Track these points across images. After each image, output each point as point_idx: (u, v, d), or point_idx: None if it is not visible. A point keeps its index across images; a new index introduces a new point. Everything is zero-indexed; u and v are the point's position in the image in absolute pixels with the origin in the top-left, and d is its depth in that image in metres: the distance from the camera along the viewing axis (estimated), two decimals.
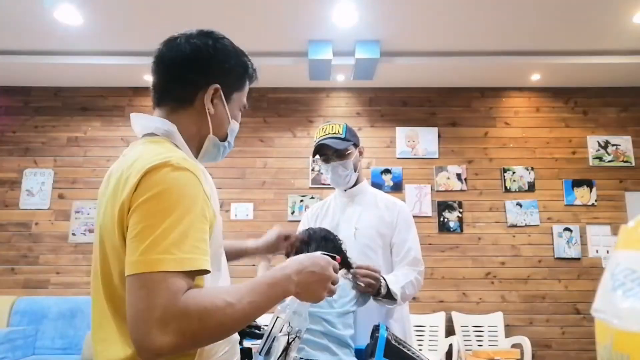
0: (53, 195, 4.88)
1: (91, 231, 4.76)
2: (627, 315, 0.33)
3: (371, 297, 1.68)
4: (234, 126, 1.07)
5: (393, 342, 1.44)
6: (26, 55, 4.41)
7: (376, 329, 1.52)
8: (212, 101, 1.00)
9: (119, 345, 0.87)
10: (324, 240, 1.63)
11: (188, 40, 1.00)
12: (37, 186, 4.89)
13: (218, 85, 1.00)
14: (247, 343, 1.57)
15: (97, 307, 0.93)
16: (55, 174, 4.92)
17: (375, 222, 1.90)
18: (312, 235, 1.64)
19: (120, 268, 0.84)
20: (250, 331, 1.48)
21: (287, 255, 1.60)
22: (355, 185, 1.98)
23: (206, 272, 0.84)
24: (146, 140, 0.98)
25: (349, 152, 1.89)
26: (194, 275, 0.83)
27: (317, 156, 1.93)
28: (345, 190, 1.98)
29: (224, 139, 1.06)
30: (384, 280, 1.68)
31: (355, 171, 1.94)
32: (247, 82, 1.08)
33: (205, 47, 1.00)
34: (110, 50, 4.39)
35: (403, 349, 1.45)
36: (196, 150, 1.04)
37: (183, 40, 1.01)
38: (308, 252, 1.62)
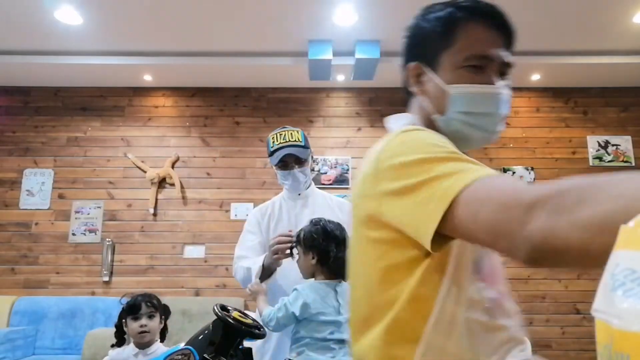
0: (53, 195, 4.87)
1: (91, 231, 4.76)
2: (627, 315, 0.33)
3: None
4: (455, 90, 0.85)
5: None
6: (26, 55, 4.41)
7: None
8: (419, 80, 0.91)
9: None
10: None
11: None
12: (37, 186, 4.88)
13: (414, 63, 0.91)
14: (247, 343, 1.57)
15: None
16: (55, 174, 4.92)
17: None
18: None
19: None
20: (250, 331, 1.48)
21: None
22: (308, 187, 2.07)
23: None
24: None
25: (307, 159, 1.99)
26: None
27: (276, 162, 1.96)
28: (299, 194, 2.05)
29: (445, 113, 0.87)
30: None
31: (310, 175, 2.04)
32: (461, 30, 0.85)
33: (409, 30, 0.94)
34: (110, 50, 4.38)
35: None
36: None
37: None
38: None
